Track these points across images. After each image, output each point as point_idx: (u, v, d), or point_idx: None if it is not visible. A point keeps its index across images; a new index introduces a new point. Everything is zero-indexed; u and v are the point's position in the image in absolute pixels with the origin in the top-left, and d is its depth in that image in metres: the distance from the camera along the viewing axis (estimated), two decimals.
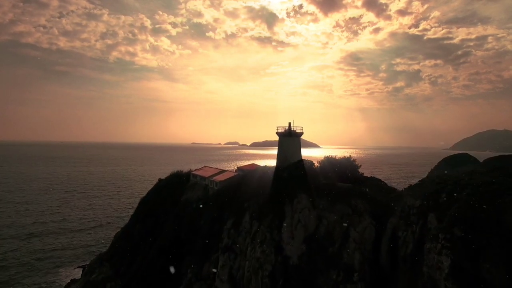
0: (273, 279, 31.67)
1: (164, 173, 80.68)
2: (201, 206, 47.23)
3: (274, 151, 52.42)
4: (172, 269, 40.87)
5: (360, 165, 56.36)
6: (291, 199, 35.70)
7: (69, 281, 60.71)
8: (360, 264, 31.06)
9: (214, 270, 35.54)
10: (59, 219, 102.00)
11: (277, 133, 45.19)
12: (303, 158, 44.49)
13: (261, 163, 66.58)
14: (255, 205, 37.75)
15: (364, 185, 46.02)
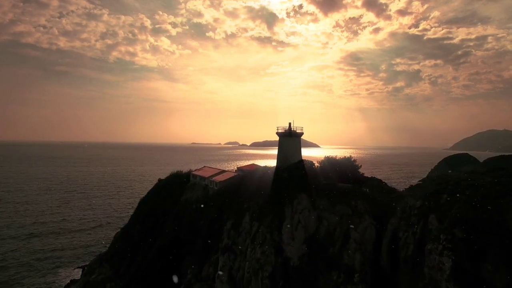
0: (273, 280, 31.53)
1: (164, 173, 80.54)
2: (202, 206, 47.07)
3: (274, 151, 52.32)
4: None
5: (361, 165, 56.27)
6: (291, 200, 35.57)
7: (68, 281, 60.55)
8: (361, 265, 30.91)
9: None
10: (59, 219, 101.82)
11: (277, 133, 45.07)
12: (303, 158, 44.37)
13: (261, 163, 66.44)
14: (255, 205, 37.62)
15: (364, 186, 45.93)
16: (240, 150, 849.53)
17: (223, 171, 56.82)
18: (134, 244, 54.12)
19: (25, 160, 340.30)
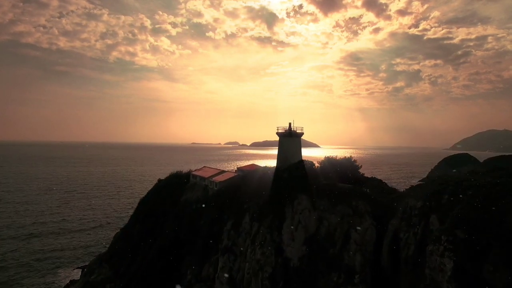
0: (273, 281, 31.37)
1: (164, 173, 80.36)
2: (203, 206, 46.90)
3: (274, 151, 52.15)
4: None
5: (361, 166, 56.15)
6: (292, 200, 35.41)
7: (68, 282, 60.39)
8: (361, 266, 30.76)
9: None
10: (59, 220, 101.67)
11: (277, 133, 44.92)
12: (303, 158, 44.23)
13: (261, 163, 66.32)
14: (255, 206, 37.47)
15: (364, 186, 45.80)
16: (240, 150, 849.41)
17: (223, 171, 56.67)
18: (134, 244, 53.99)
19: (25, 160, 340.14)
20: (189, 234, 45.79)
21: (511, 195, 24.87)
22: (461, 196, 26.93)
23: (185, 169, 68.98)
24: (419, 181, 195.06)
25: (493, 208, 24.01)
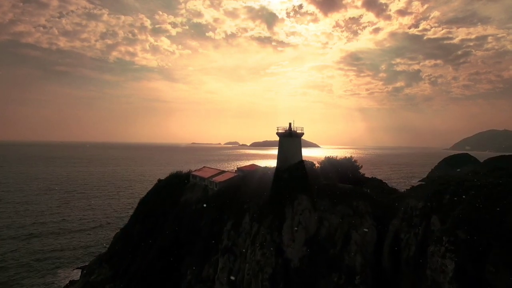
0: (273, 282, 31.23)
1: (164, 173, 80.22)
2: (204, 205, 46.76)
3: (274, 151, 52.03)
4: None
5: (361, 166, 56.03)
6: (292, 201, 35.28)
7: (68, 282, 60.24)
8: (362, 266, 30.62)
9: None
10: (59, 220, 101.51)
11: (277, 133, 44.79)
12: (303, 158, 44.10)
13: (261, 163, 66.20)
14: (255, 206, 37.34)
15: (365, 186, 45.67)
16: (240, 150, 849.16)
17: (223, 172, 56.56)
18: (134, 244, 53.91)
19: (25, 160, 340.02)
20: (189, 234, 45.68)
21: None
22: (462, 196, 26.78)
23: (185, 169, 68.89)
24: (419, 181, 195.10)
25: (495, 208, 23.88)
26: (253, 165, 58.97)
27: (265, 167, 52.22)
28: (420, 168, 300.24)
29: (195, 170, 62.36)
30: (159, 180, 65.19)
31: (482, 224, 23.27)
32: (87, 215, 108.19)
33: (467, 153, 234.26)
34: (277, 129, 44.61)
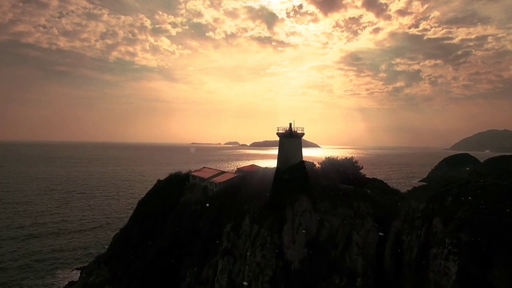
0: (274, 284, 30.90)
1: (164, 173, 79.90)
2: (205, 206, 46.35)
3: (274, 151, 51.72)
4: None
5: (362, 166, 55.67)
6: (292, 202, 34.92)
7: (67, 283, 60.03)
8: (363, 268, 30.30)
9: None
10: (58, 220, 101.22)
11: (277, 133, 44.41)
12: (304, 159, 43.73)
13: (261, 163, 65.90)
14: (255, 207, 36.99)
15: (366, 187, 45.33)
16: (240, 150, 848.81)
17: (223, 172, 56.24)
18: (133, 245, 53.57)
19: (25, 160, 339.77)
20: (188, 235, 45.36)
21: None
22: (465, 198, 26.44)
23: (184, 169, 68.59)
24: (420, 181, 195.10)
25: (499, 210, 23.55)
26: (253, 165, 58.64)
27: (265, 168, 51.88)
28: (420, 168, 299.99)
29: (194, 171, 62.04)
30: (159, 181, 64.88)
31: (485, 227, 22.92)
32: (87, 216, 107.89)
33: (467, 153, 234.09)
34: (277, 129, 44.24)
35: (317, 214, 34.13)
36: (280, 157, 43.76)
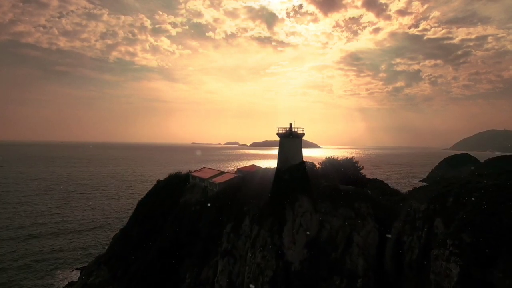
0: (274, 285, 30.75)
1: (163, 173, 79.74)
2: (205, 207, 46.17)
3: (274, 151, 51.58)
4: None
5: (362, 167, 55.47)
6: (292, 202, 34.76)
7: (66, 283, 59.91)
8: (364, 270, 30.14)
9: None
10: (58, 220, 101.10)
11: (277, 134, 44.25)
12: (304, 159, 43.56)
13: (261, 163, 65.78)
14: (255, 208, 36.82)
15: (366, 187, 45.13)
16: (240, 150, 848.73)
17: (223, 172, 56.09)
18: (133, 246, 53.43)
19: (25, 160, 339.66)
20: (188, 236, 45.22)
21: None
22: (466, 198, 26.28)
23: (184, 169, 68.45)
24: (420, 181, 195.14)
25: (501, 211, 23.39)
26: (253, 165, 58.50)
27: (266, 168, 51.71)
28: (420, 168, 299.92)
29: (194, 171, 61.89)
30: (158, 181, 64.75)
31: (487, 228, 22.76)
32: (87, 216, 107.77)
33: (467, 153, 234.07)
34: (278, 130, 44.06)
35: (318, 215, 33.97)
36: (280, 158, 43.59)
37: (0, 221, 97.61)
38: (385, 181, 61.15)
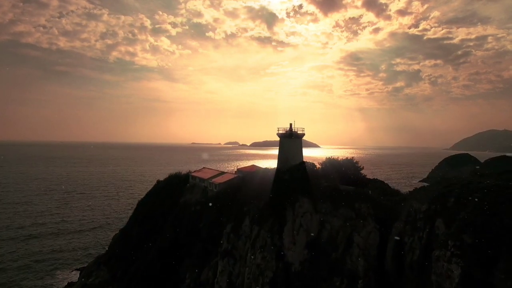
0: (274, 286, 30.63)
1: (163, 173, 79.65)
2: (205, 207, 46.05)
3: (275, 151, 51.48)
4: None
5: (363, 167, 55.35)
6: (293, 203, 34.64)
7: (66, 284, 59.80)
8: (365, 270, 30.00)
9: None
10: (58, 220, 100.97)
11: (278, 134, 44.15)
12: (304, 159, 43.46)
13: (261, 163, 65.70)
14: (255, 208, 36.71)
15: (367, 188, 45.01)
16: (240, 150, 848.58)
17: (223, 173, 55.98)
18: (133, 246, 53.35)
19: (25, 160, 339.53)
20: (188, 236, 45.11)
21: None
22: (468, 199, 26.13)
23: (184, 169, 68.37)
24: (420, 181, 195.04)
25: (503, 212, 23.25)
26: (253, 166, 58.41)
27: (266, 168, 51.61)
28: (420, 168, 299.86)
29: (194, 171, 61.79)
30: (158, 181, 64.66)
31: (489, 228, 22.62)
32: (87, 216, 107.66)
33: (467, 153, 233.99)
34: (278, 130, 43.97)
35: (318, 215, 33.84)
36: (280, 158, 43.49)
37: (0, 221, 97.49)
38: (385, 181, 61.09)
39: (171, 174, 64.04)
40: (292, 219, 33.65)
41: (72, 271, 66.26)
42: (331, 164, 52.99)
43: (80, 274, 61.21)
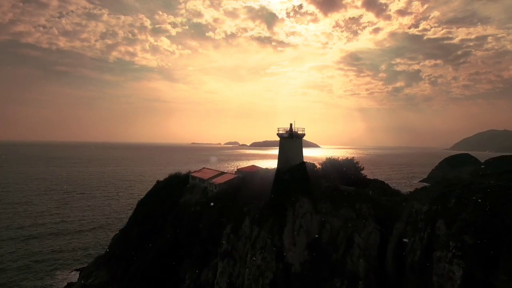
0: (274, 287, 30.50)
1: (163, 173, 79.50)
2: (205, 207, 45.92)
3: (275, 151, 51.37)
4: None
5: (363, 167, 55.24)
6: (293, 203, 34.51)
7: (65, 284, 59.69)
8: (365, 271, 29.85)
9: None
10: (58, 221, 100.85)
11: (278, 134, 44.03)
12: (304, 159, 43.35)
13: (261, 163, 65.59)
14: (255, 209, 36.58)
15: (367, 188, 44.90)
16: (240, 150, 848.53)
17: (223, 173, 55.86)
18: (133, 246, 53.22)
19: (25, 160, 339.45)
20: (188, 237, 44.98)
21: None
22: (469, 199, 26.00)
23: (184, 169, 68.24)
24: (420, 181, 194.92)
25: (504, 212, 23.12)
26: (253, 166, 58.30)
27: (266, 169, 51.52)
28: (420, 168, 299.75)
29: (194, 171, 61.67)
30: (158, 181, 64.52)
31: (490, 229, 22.49)
32: (87, 216, 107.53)
33: (467, 153, 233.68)
34: (278, 130, 43.84)
35: (318, 216, 33.71)
36: (280, 158, 43.37)
37: (0, 221, 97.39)
38: (386, 181, 61.01)
39: (171, 174, 63.91)
40: (292, 220, 33.52)
41: (72, 271, 66.14)
42: (332, 164, 52.90)
43: (79, 274, 61.09)
